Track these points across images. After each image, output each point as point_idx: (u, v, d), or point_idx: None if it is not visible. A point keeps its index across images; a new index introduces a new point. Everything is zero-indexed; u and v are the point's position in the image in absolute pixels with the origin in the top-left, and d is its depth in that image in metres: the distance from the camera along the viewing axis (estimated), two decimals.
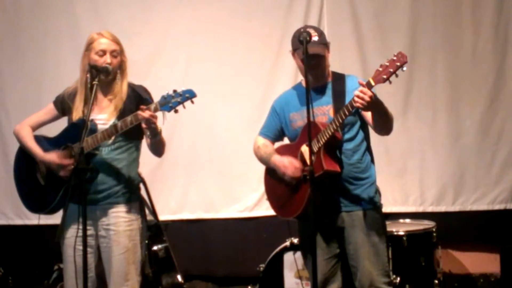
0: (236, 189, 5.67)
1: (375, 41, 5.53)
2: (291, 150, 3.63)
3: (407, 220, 5.00)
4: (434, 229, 4.65)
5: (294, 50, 3.59)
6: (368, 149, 3.67)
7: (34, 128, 3.77)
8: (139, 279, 3.63)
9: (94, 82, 3.44)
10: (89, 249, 3.47)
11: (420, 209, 5.49)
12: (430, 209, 5.49)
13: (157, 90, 3.61)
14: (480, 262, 5.46)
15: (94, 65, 3.50)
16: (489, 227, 5.43)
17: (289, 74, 5.55)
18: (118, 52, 3.57)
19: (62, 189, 3.51)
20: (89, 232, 3.50)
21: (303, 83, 3.69)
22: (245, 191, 5.64)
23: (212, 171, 5.69)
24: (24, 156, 3.75)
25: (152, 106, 3.32)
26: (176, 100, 3.28)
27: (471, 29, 5.48)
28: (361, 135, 3.61)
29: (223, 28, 5.70)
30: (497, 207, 5.45)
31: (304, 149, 3.51)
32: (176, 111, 3.32)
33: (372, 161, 3.68)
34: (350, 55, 5.50)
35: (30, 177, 3.71)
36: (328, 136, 3.40)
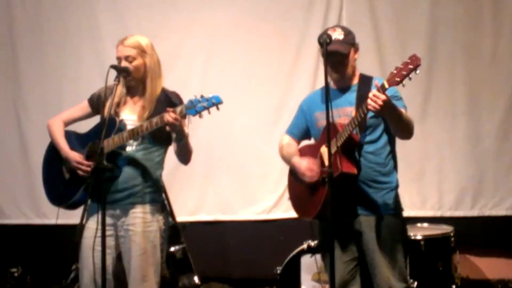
0: (254, 191, 5.68)
1: (394, 44, 5.51)
2: (313, 151, 3.65)
3: (425, 225, 4.98)
4: (452, 234, 4.63)
5: (320, 48, 3.57)
6: (392, 153, 3.65)
7: (67, 123, 3.80)
8: (157, 280, 3.62)
9: (115, 82, 3.47)
10: (107, 250, 3.47)
11: (438, 213, 5.47)
12: (448, 213, 5.46)
13: (175, 91, 3.68)
14: (498, 268, 5.42)
15: (114, 66, 3.53)
16: (507, 233, 5.39)
17: (307, 76, 5.56)
18: (134, 56, 3.58)
19: (83, 185, 3.54)
20: (109, 233, 3.53)
21: (333, 84, 3.69)
22: (262, 193, 5.65)
23: (230, 173, 5.70)
24: (54, 149, 3.78)
25: (178, 109, 3.35)
26: (202, 105, 3.31)
27: (491, 33, 5.45)
28: (384, 138, 3.59)
29: (241, 30, 5.72)
30: None
31: (323, 150, 3.52)
32: (200, 116, 3.34)
33: (396, 165, 3.66)
34: (369, 59, 5.46)
35: (56, 169, 3.74)
36: (344, 138, 3.40)
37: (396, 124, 3.41)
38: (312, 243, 4.48)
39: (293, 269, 4.62)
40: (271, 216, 5.65)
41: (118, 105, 3.60)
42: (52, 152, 3.80)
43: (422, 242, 4.46)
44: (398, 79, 3.17)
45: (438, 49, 5.49)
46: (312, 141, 3.86)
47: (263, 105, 5.67)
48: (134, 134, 3.47)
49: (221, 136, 5.71)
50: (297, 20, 5.63)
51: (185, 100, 3.39)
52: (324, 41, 3.31)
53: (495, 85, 5.45)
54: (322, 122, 3.61)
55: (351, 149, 3.49)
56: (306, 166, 3.58)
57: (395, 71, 3.19)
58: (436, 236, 4.59)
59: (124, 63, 3.56)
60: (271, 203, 5.61)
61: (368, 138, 3.54)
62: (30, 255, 5.72)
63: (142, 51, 3.61)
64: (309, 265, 4.53)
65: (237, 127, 5.72)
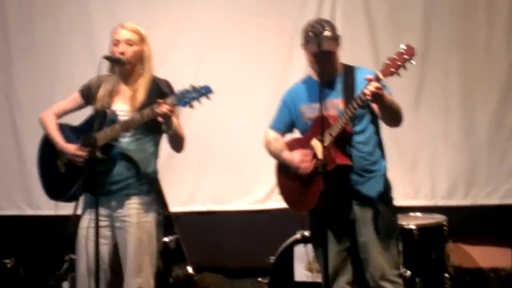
0: (247, 181, 5.68)
1: (388, 35, 5.49)
2: (302, 144, 3.63)
3: (418, 214, 4.99)
4: (445, 223, 4.64)
5: (306, 44, 3.57)
6: (379, 143, 3.66)
7: (59, 115, 3.78)
8: (153, 271, 3.64)
9: (107, 74, 3.47)
10: (104, 240, 3.52)
11: (431, 202, 5.46)
12: (441, 202, 5.45)
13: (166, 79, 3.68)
14: (491, 256, 5.44)
15: (108, 56, 3.52)
16: (500, 222, 5.39)
17: (302, 69, 5.47)
18: (135, 42, 3.58)
19: (80, 178, 3.52)
20: (104, 223, 3.55)
21: (313, 76, 3.68)
22: (256, 183, 5.64)
23: (224, 163, 5.70)
24: (47, 143, 3.77)
25: (169, 100, 3.34)
26: (192, 96, 3.30)
27: (485, 25, 5.43)
28: (371, 128, 3.61)
29: (236, 23, 5.71)
30: (508, 201, 5.39)
31: (315, 143, 3.51)
32: (191, 106, 3.33)
33: (383, 153, 3.67)
34: (363, 50, 5.47)
35: (51, 164, 3.73)
36: (339, 130, 3.40)
37: (387, 111, 3.42)
38: (306, 233, 4.48)
39: (287, 258, 4.63)
40: (265, 206, 5.65)
41: (111, 95, 3.58)
42: (46, 147, 3.79)
43: (415, 231, 4.46)
44: (393, 70, 3.17)
45: (432, 40, 5.47)
46: (296, 135, 3.85)
47: (257, 96, 5.65)
48: (126, 127, 3.47)
49: (214, 126, 5.71)
50: (291, 13, 5.60)
51: (177, 91, 3.38)
52: (318, 31, 3.32)
53: (489, 76, 5.44)
54: (310, 115, 3.63)
55: (344, 141, 3.49)
56: (299, 159, 3.58)
57: (388, 62, 3.19)
58: (429, 225, 4.60)
59: (123, 46, 3.54)
60: (265, 193, 5.61)
61: (357, 128, 3.56)
62: (23, 246, 5.71)
63: (141, 38, 3.62)
64: (303, 254, 4.54)
65: (231, 118, 5.71)
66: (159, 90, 3.61)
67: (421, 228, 4.51)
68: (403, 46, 3.20)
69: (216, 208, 5.74)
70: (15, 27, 5.91)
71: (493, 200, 5.44)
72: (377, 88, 3.20)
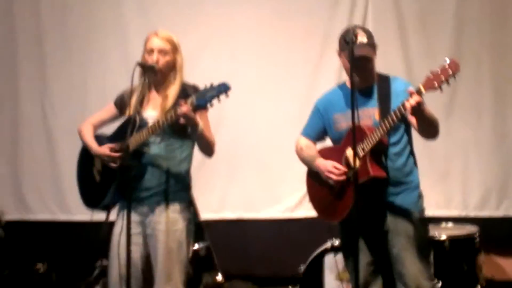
0: (278, 189, 5.67)
1: (420, 42, 5.48)
2: (336, 153, 3.60)
3: (450, 224, 4.94)
4: (477, 234, 4.58)
5: (341, 50, 3.56)
6: (412, 152, 3.63)
7: (96, 126, 3.83)
8: (183, 279, 3.64)
9: (141, 81, 3.50)
10: (136, 247, 3.55)
11: (463, 213, 5.43)
12: (473, 213, 5.42)
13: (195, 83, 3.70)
14: None
15: (141, 63, 3.55)
16: None
17: (331, 74, 5.54)
18: (168, 51, 3.60)
19: (112, 187, 3.55)
20: (137, 230, 3.58)
21: (348, 84, 3.65)
22: (287, 191, 5.63)
23: (254, 170, 5.70)
24: (86, 154, 3.81)
25: (189, 101, 3.34)
26: (211, 94, 3.30)
27: None
28: (405, 138, 3.58)
29: (267, 27, 5.72)
30: None
31: (350, 153, 3.48)
32: (211, 105, 3.34)
33: (415, 164, 3.64)
34: (394, 56, 5.46)
35: (88, 173, 3.78)
36: (375, 141, 3.38)
37: (426, 125, 3.39)
38: (336, 242, 4.47)
39: (317, 268, 4.62)
40: (295, 215, 5.65)
41: (142, 102, 3.61)
42: (84, 157, 3.84)
43: (446, 242, 4.42)
44: (436, 85, 3.12)
45: (463, 46, 5.45)
46: (328, 143, 3.83)
47: (287, 103, 5.65)
48: (153, 130, 3.48)
49: (245, 133, 5.72)
50: (322, 18, 5.62)
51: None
52: (350, 39, 3.31)
53: None
54: (343, 125, 3.59)
55: (379, 152, 3.46)
56: (333, 166, 3.56)
57: (431, 76, 3.15)
58: (461, 237, 4.55)
59: (156, 56, 3.57)
60: (295, 201, 5.60)
61: (392, 140, 3.53)
62: (56, 251, 5.76)
63: (174, 47, 3.64)
64: (333, 264, 4.53)
65: (261, 125, 5.71)
66: (186, 94, 3.62)
67: (453, 239, 4.47)
68: (447, 61, 3.14)
69: (246, 216, 5.74)
70: (48, 29, 5.95)
71: None
72: (418, 102, 3.16)
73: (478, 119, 5.46)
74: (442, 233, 4.50)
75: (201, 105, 3.33)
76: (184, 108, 3.33)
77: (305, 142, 3.83)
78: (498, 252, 5.34)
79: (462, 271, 4.50)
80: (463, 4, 5.47)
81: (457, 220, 5.10)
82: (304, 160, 3.81)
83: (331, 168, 3.55)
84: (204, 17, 5.76)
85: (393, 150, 3.52)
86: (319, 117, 3.77)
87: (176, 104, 3.49)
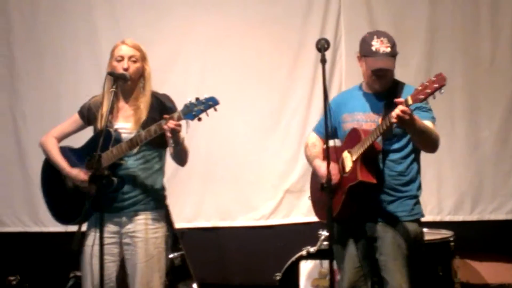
0: (252, 197, 5.65)
1: None
2: (337, 154, 3.60)
3: (425, 229, 4.91)
4: (451, 239, 4.60)
5: (362, 56, 3.55)
6: (416, 160, 3.63)
7: (59, 139, 3.77)
8: (162, 287, 3.62)
9: (111, 89, 3.46)
10: (111, 258, 3.53)
11: (437, 218, 5.45)
12: (447, 218, 5.46)
13: (173, 98, 3.68)
14: (498, 272, 5.40)
15: (111, 72, 3.52)
16: (507, 237, 5.38)
17: (305, 82, 5.56)
18: (138, 58, 3.59)
19: (87, 201, 3.45)
20: (112, 240, 3.55)
21: (363, 87, 3.67)
22: (261, 199, 5.61)
23: (228, 179, 5.68)
24: (50, 169, 3.75)
25: (176, 115, 3.32)
26: (199, 108, 3.28)
27: (489, 39, 5.46)
28: (409, 147, 3.57)
29: (239, 35, 5.72)
30: None
31: (345, 155, 3.51)
32: (199, 119, 3.32)
33: (419, 172, 3.65)
34: None
35: (57, 189, 3.72)
36: (366, 146, 3.38)
37: (417, 137, 3.40)
38: (311, 249, 4.46)
39: (293, 275, 4.60)
40: (270, 222, 5.63)
41: (111, 113, 3.54)
42: (49, 173, 3.77)
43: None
44: (422, 97, 3.14)
45: (436, 54, 5.49)
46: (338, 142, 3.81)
47: (261, 111, 5.65)
48: (133, 144, 3.45)
49: (218, 142, 5.70)
50: (294, 26, 5.62)
51: (180, 105, 3.37)
52: (322, 46, 3.31)
53: (494, 90, 5.45)
54: (349, 125, 3.60)
55: (372, 157, 3.46)
56: (325, 170, 3.54)
57: (420, 88, 3.16)
58: (435, 241, 4.57)
59: (127, 63, 3.54)
60: (270, 209, 5.58)
61: (394, 146, 3.53)
62: (28, 263, 5.69)
63: (143, 55, 3.64)
64: (309, 271, 4.52)
65: (235, 133, 5.70)
66: (162, 104, 3.60)
67: (428, 244, 4.46)
68: (435, 74, 3.17)
69: (221, 224, 5.72)
70: (19, 37, 5.88)
71: (500, 215, 5.43)
72: (403, 112, 3.14)
73: (452, 126, 5.49)
74: None
75: (189, 120, 3.31)
76: (171, 124, 3.30)
77: (312, 140, 3.85)
78: (473, 256, 5.38)
79: (438, 276, 4.50)
80: (435, 11, 5.51)
81: (432, 225, 5.12)
82: (307, 158, 3.85)
83: (323, 172, 3.50)
84: (175, 27, 5.75)
85: (393, 156, 3.53)
86: (330, 115, 3.76)
87: (151, 116, 3.50)
